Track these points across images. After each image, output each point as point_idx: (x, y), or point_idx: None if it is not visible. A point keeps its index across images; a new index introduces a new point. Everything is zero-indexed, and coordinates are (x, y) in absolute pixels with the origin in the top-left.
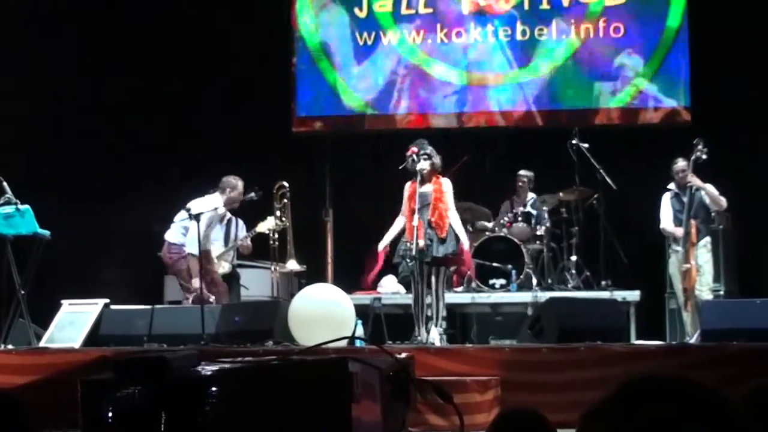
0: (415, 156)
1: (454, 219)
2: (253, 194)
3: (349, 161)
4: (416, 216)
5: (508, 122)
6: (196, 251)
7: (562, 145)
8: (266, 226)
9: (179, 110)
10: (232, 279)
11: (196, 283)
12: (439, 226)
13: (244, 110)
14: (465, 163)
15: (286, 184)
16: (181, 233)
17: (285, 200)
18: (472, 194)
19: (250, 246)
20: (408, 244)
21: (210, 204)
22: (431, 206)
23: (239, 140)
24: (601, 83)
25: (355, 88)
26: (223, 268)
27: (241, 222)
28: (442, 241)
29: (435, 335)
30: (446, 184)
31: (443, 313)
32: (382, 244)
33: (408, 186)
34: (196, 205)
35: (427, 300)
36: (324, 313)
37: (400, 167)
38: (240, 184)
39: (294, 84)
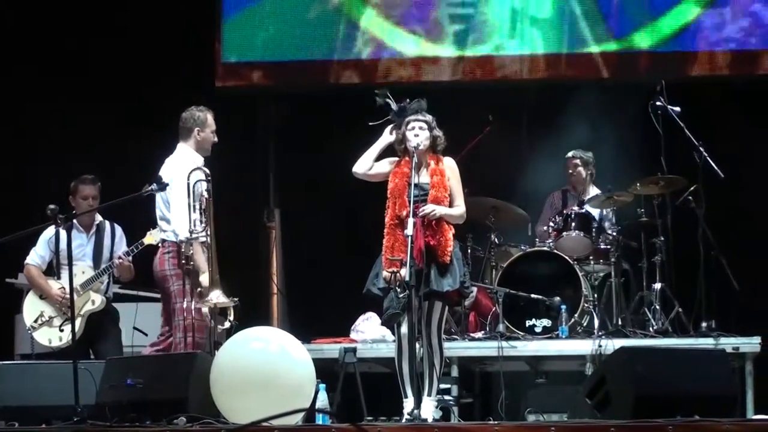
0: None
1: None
2: (153, 186)
3: (307, 135)
4: (410, 223)
5: (553, 74)
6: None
7: (640, 109)
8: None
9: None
10: (105, 318)
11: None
12: (439, 244)
13: (138, 52)
14: (487, 135)
15: (204, 168)
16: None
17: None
18: (498, 186)
19: (131, 266)
20: (395, 272)
21: (184, 161)
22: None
23: (131, 100)
24: (701, 10)
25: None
26: (93, 302)
27: (119, 230)
28: (443, 270)
29: (428, 409)
30: (450, 168)
31: (439, 372)
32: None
33: (390, 163)
34: (168, 170)
35: (420, 353)
36: (266, 373)
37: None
38: (210, 116)
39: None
